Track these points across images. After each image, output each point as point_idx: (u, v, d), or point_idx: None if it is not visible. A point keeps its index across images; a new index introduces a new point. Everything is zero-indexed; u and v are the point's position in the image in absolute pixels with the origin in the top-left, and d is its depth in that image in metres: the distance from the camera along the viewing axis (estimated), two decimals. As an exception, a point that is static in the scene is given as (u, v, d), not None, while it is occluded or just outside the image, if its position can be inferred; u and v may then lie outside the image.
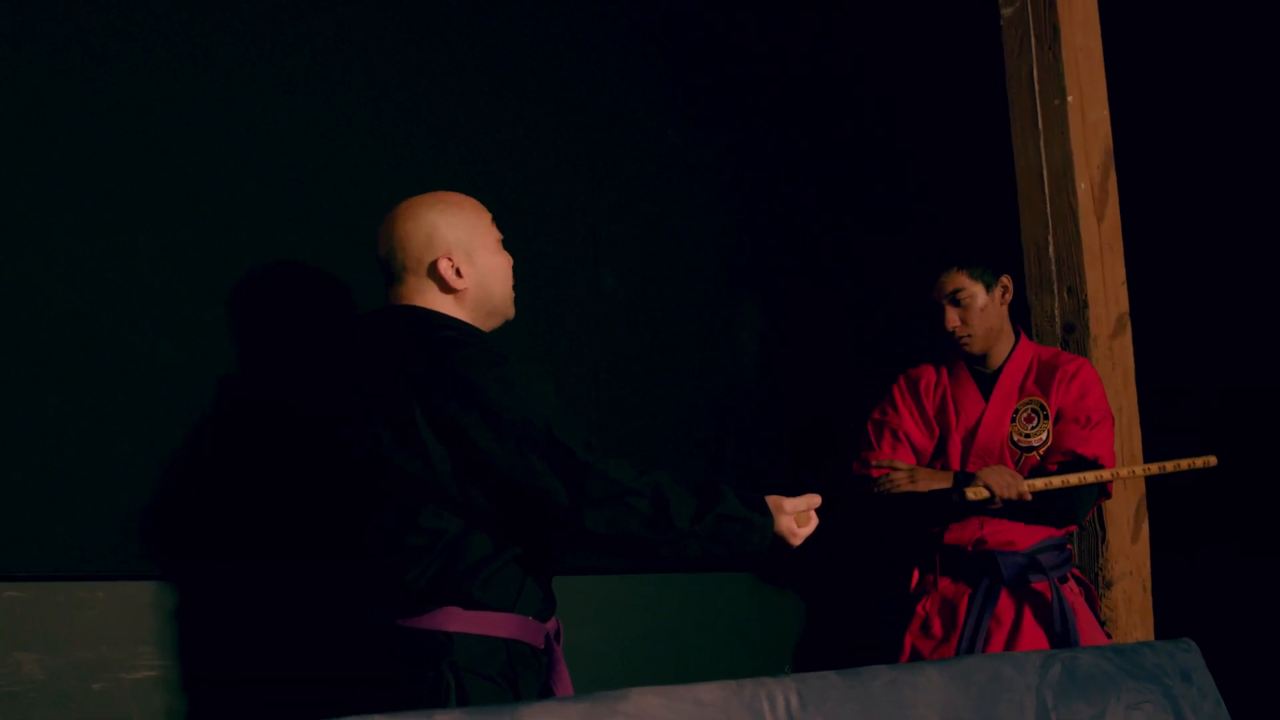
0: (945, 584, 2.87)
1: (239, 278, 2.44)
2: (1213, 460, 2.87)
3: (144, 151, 2.34)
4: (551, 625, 2.15)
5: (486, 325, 2.19)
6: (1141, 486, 3.22)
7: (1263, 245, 3.66)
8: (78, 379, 2.22)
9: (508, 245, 2.28)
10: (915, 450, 2.95)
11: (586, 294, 3.02)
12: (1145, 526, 3.23)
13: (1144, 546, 3.23)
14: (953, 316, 2.86)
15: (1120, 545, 3.17)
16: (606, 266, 3.07)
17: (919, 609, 2.89)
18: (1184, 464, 2.85)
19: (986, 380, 2.93)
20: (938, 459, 2.93)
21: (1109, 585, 3.14)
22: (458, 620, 1.99)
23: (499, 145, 2.89)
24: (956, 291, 2.85)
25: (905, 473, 2.80)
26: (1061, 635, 2.72)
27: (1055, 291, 3.26)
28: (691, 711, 1.80)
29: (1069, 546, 2.94)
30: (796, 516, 2.15)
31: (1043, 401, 2.86)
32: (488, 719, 1.64)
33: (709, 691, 1.84)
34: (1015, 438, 2.85)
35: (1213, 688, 2.44)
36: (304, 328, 2.51)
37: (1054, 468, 2.81)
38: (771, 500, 2.12)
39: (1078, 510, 2.80)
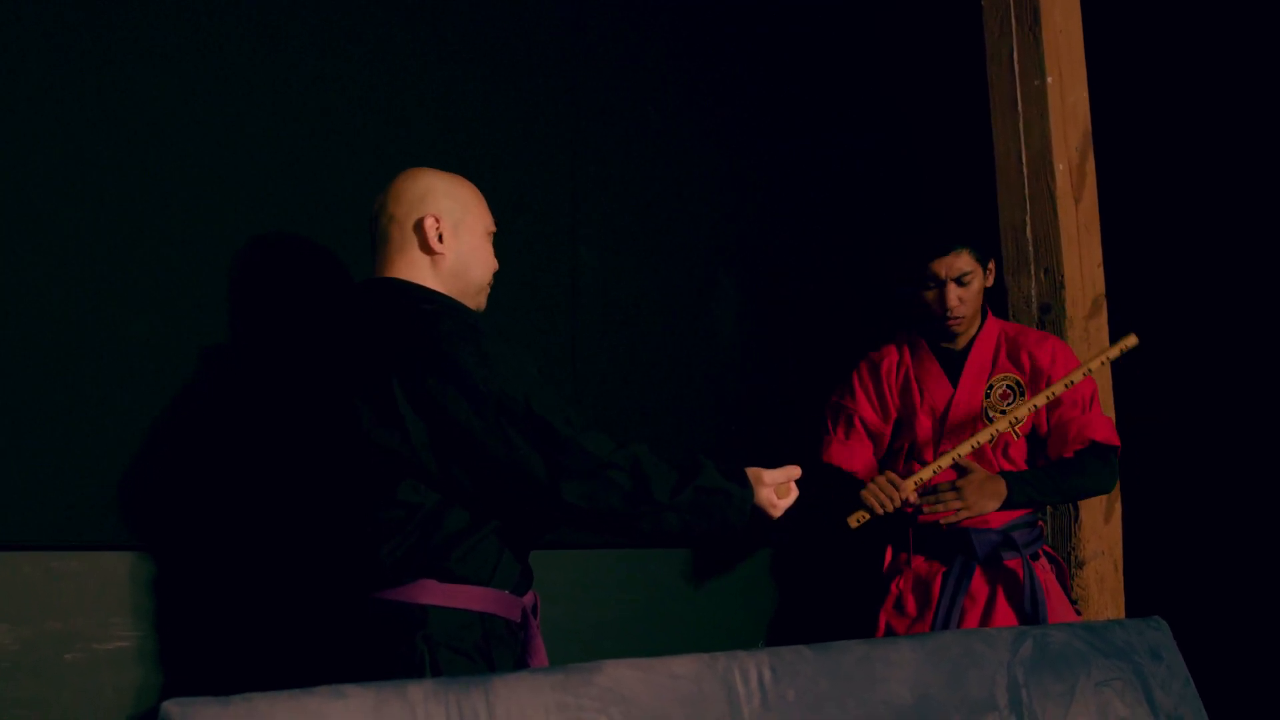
0: (919, 562, 2.88)
1: (221, 252, 2.42)
2: (1133, 340, 2.85)
3: (128, 129, 2.32)
4: (529, 599, 2.15)
5: None
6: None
7: (1239, 228, 3.68)
8: (56, 349, 2.20)
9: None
10: (871, 435, 2.96)
11: (564, 269, 3.02)
12: (1118, 506, 3.26)
13: (1116, 526, 3.26)
14: (955, 296, 2.82)
15: (1093, 525, 3.20)
16: (584, 242, 3.06)
17: (893, 587, 2.90)
18: (1101, 358, 2.84)
19: (953, 358, 2.92)
20: (901, 439, 2.94)
21: (1081, 564, 3.17)
22: (433, 593, 1.99)
23: (477, 119, 2.88)
24: (964, 273, 2.82)
25: (954, 493, 2.75)
26: (1031, 615, 2.74)
27: (1032, 272, 3.28)
28: (665, 684, 1.82)
29: (1040, 524, 2.96)
30: (776, 488, 2.15)
31: (1019, 378, 2.87)
32: (461, 690, 1.65)
33: (682, 664, 1.86)
34: (990, 414, 2.86)
35: (1181, 666, 2.47)
36: (286, 302, 2.50)
37: (1071, 455, 2.84)
38: (751, 472, 2.13)
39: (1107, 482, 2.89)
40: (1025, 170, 3.30)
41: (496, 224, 2.27)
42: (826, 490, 2.91)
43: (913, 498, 2.71)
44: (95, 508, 2.22)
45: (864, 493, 2.71)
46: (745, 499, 2.09)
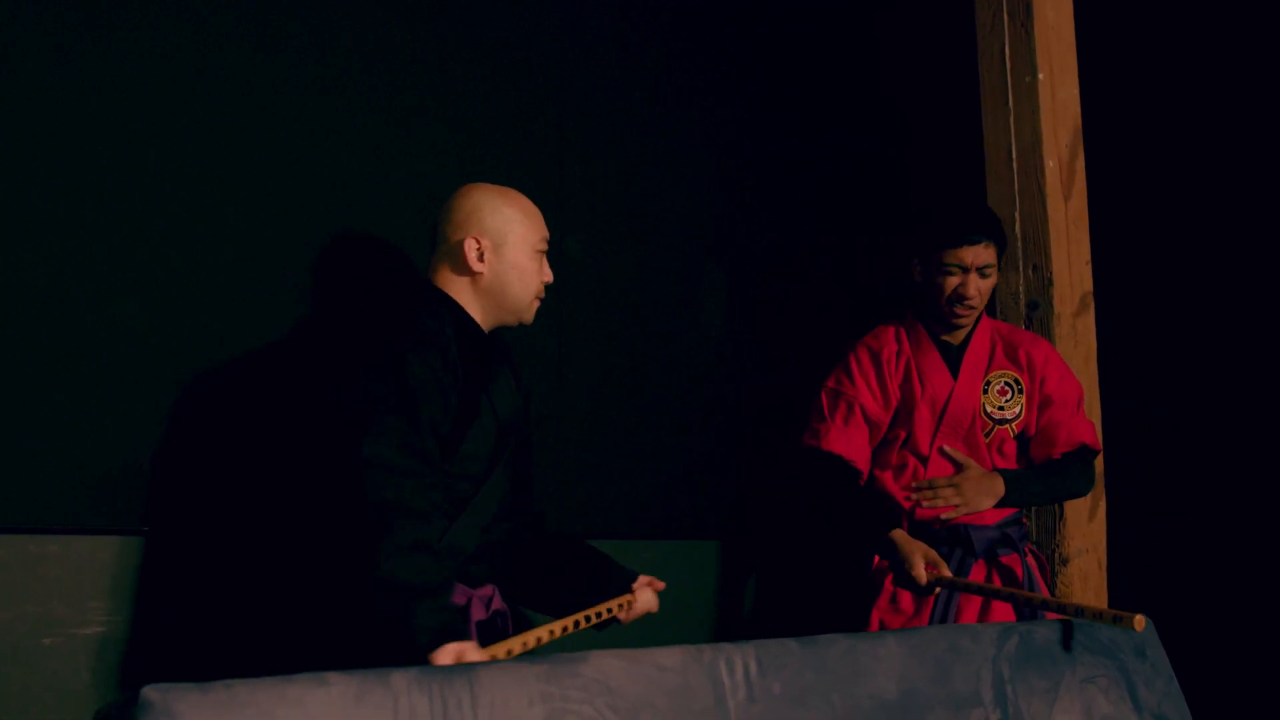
0: None
1: (208, 244, 2.41)
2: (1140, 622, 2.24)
3: (130, 129, 2.31)
4: (485, 592, 2.16)
5: (497, 319, 2.27)
6: (1100, 464, 3.24)
7: (1228, 227, 3.68)
8: (39, 334, 2.18)
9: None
10: (869, 423, 2.89)
11: (550, 261, 2.99)
12: (1102, 504, 3.25)
13: (1101, 524, 3.25)
14: (975, 287, 2.80)
15: (1078, 522, 3.19)
16: (571, 233, 3.05)
17: (887, 584, 2.83)
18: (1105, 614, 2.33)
19: (952, 352, 2.91)
20: (898, 429, 2.90)
21: (1065, 562, 3.17)
22: None
23: (465, 110, 2.86)
24: (986, 265, 2.80)
25: (952, 487, 2.77)
26: (1029, 613, 2.73)
27: (1020, 269, 3.27)
28: (650, 675, 1.80)
29: (1024, 521, 2.96)
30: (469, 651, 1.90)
31: (1017, 375, 2.87)
32: (444, 679, 1.63)
33: (668, 656, 1.84)
34: (988, 409, 2.85)
35: (1166, 663, 2.47)
36: (267, 293, 2.48)
37: (1059, 457, 2.87)
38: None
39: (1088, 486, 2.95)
40: (1015, 166, 3.30)
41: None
42: (828, 484, 2.85)
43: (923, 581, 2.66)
44: (76, 491, 2.20)
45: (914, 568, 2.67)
46: (429, 643, 1.85)
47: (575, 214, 3.06)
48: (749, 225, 3.48)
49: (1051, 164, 3.26)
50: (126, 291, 2.29)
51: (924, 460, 2.86)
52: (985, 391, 2.86)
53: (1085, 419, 2.92)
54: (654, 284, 3.23)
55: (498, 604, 2.19)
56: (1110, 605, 3.23)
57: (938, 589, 2.61)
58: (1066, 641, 2.33)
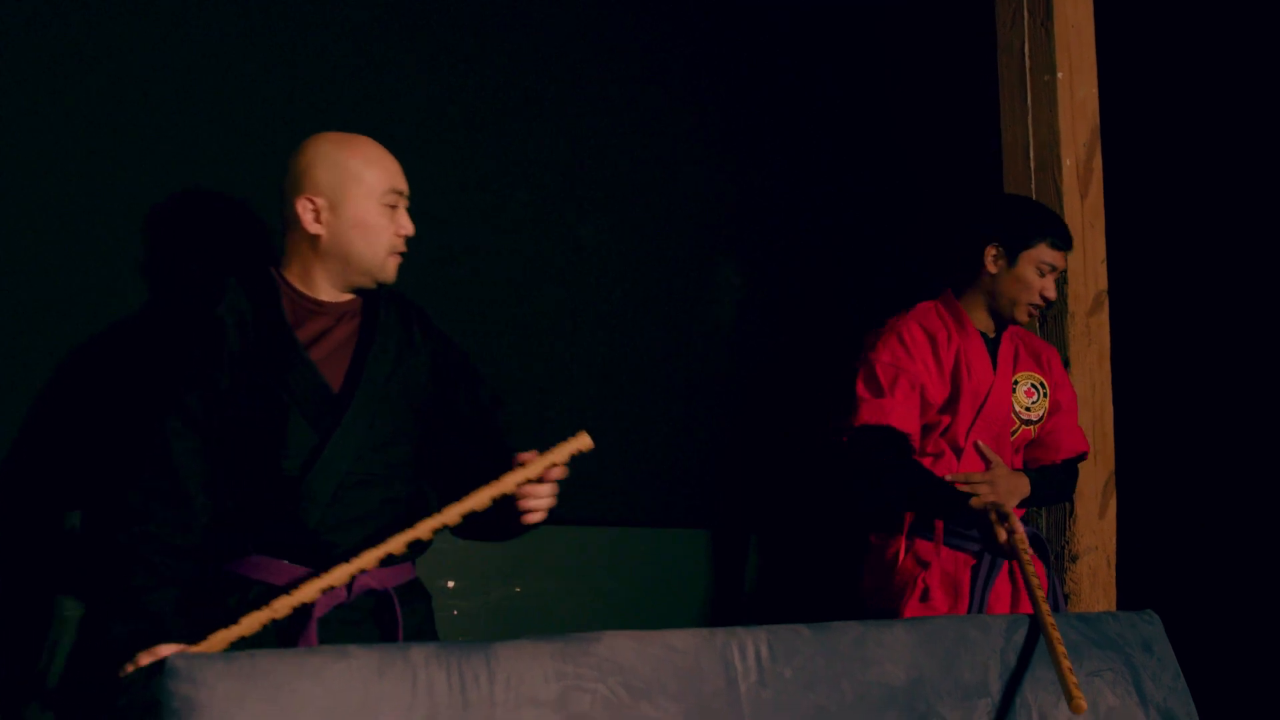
0: (946, 554, 2.78)
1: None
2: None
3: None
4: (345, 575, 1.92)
5: (347, 281, 2.07)
6: (1111, 464, 3.26)
7: (1242, 227, 3.69)
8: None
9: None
10: (924, 402, 2.78)
11: (564, 249, 3.02)
12: (1113, 502, 3.27)
13: (1111, 522, 3.27)
14: (1054, 290, 2.83)
15: (1088, 520, 3.21)
16: (585, 222, 3.06)
17: (919, 582, 2.77)
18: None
19: (990, 346, 2.88)
20: (943, 414, 2.82)
21: (1074, 559, 3.18)
22: (248, 565, 1.98)
23: (477, 98, 2.87)
24: (1062, 270, 2.84)
25: (986, 483, 2.71)
26: (1051, 604, 2.71)
27: (1035, 266, 3.28)
28: (662, 656, 1.83)
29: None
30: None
31: (1042, 379, 2.89)
32: (462, 654, 1.67)
33: (680, 638, 1.87)
34: (1016, 408, 2.86)
35: (1172, 659, 2.48)
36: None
37: (1061, 461, 2.91)
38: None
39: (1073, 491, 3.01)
40: (1032, 164, 3.31)
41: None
42: (901, 459, 2.74)
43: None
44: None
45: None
46: (126, 641, 1.78)
47: (588, 203, 3.08)
48: (761, 219, 3.49)
49: (1069, 162, 3.27)
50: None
51: (958, 452, 2.80)
52: (1014, 390, 2.86)
53: (1079, 425, 2.97)
54: (664, 275, 3.23)
55: (370, 585, 1.98)
56: (1120, 602, 3.25)
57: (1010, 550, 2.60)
58: (1074, 635, 2.35)
